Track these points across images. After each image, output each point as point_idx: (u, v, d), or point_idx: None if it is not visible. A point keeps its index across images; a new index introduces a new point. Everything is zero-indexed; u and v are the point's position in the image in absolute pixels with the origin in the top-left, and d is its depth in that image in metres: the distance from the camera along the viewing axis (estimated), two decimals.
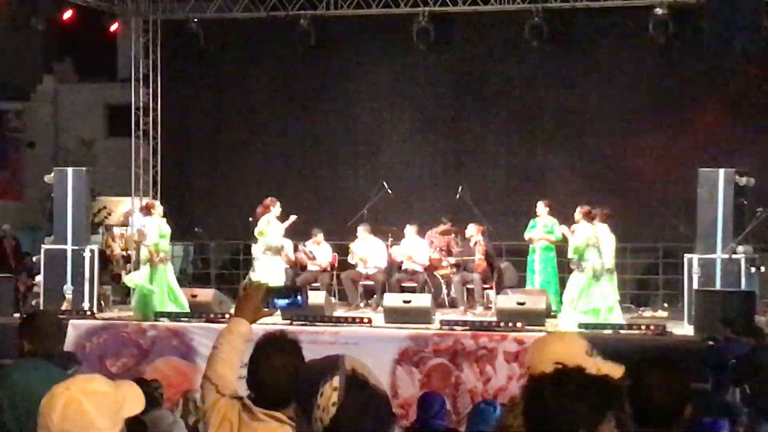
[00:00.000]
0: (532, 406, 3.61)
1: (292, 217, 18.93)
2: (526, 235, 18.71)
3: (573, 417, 3.44)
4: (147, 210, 18.99)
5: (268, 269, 18.51)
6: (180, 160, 23.99)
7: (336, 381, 3.36)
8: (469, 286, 19.30)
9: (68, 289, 19.02)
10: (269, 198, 18.87)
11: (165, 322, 17.35)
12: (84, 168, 20.53)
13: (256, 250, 18.95)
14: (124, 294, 21.23)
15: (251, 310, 4.97)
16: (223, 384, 4.76)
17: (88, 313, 18.53)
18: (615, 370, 4.17)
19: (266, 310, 5.02)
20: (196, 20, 22.71)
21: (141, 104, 23.39)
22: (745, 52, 19.05)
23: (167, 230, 18.62)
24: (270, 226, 18.58)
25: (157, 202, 19.13)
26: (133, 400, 3.60)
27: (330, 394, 3.36)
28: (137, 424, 4.13)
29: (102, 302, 19.78)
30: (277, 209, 18.76)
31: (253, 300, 4.98)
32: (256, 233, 18.69)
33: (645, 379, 4.13)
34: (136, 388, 3.67)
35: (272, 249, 18.70)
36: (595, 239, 16.71)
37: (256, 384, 4.66)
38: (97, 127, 31.08)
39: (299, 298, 5.07)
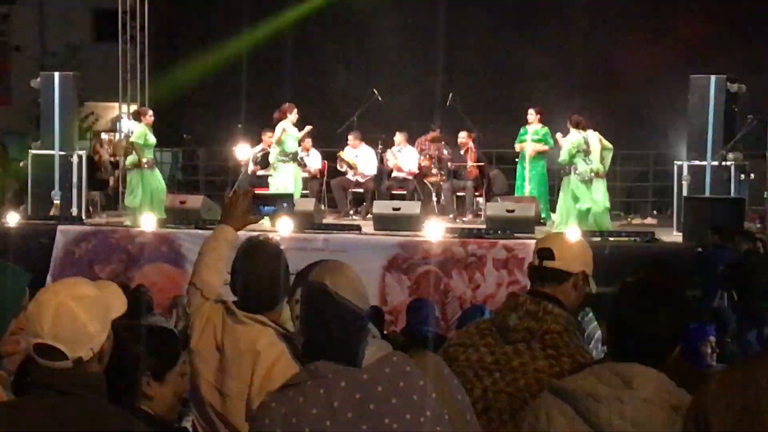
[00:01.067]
0: (620, 311, 3.62)
1: (308, 127, 18.78)
2: (517, 144, 18.58)
3: (659, 327, 3.60)
4: (137, 115, 18.88)
5: (284, 176, 18.39)
6: (168, 66, 23.75)
7: (298, 293, 3.38)
8: (459, 193, 19.29)
9: (56, 194, 18.98)
10: (287, 103, 18.61)
11: (153, 228, 17.31)
12: (71, 73, 20.37)
13: (271, 155, 18.79)
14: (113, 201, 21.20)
15: (237, 217, 4.97)
16: (209, 289, 4.77)
17: (77, 218, 18.50)
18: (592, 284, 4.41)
19: (252, 216, 5.01)
20: None
21: (128, 8, 23.09)
22: None
23: (153, 140, 18.53)
24: (286, 133, 18.41)
25: (150, 111, 18.93)
26: (118, 302, 3.60)
27: (294, 307, 3.39)
28: (137, 330, 4.14)
29: (90, 208, 19.76)
30: (294, 115, 18.55)
31: (239, 207, 4.97)
32: (273, 140, 18.54)
33: (629, 310, 3.91)
34: (118, 289, 3.67)
35: (289, 155, 18.52)
36: (585, 146, 16.72)
37: (240, 288, 4.68)
38: (83, 32, 30.78)
39: (285, 205, 5.06)
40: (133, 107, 22.06)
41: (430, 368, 3.47)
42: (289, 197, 5.13)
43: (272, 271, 4.65)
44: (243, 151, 19.97)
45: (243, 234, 4.97)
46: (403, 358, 3.37)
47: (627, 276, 4.44)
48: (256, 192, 5.13)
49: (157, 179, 18.71)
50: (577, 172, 16.76)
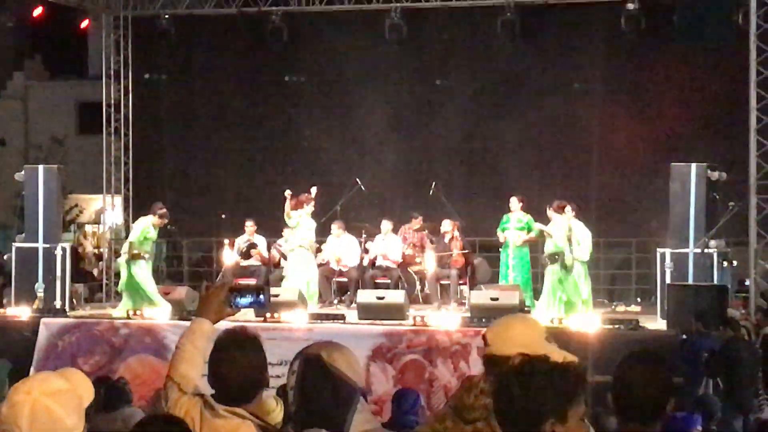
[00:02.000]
0: (500, 397, 3.65)
1: (314, 189, 18.94)
2: (501, 233, 18.62)
3: (541, 405, 3.51)
4: (151, 210, 18.84)
5: (299, 264, 18.39)
6: (152, 157, 23.86)
7: (295, 365, 3.41)
8: (443, 281, 19.28)
9: (40, 287, 18.92)
10: (305, 194, 18.69)
11: (137, 320, 17.25)
12: (55, 165, 20.42)
13: (285, 246, 18.80)
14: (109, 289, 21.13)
15: (214, 310, 4.95)
16: (186, 383, 4.73)
17: (60, 311, 18.44)
18: (569, 359, 4.25)
19: (229, 309, 5.00)
20: (167, 16, 22.55)
21: (112, 101, 23.22)
22: (717, 47, 19.12)
23: (153, 234, 18.56)
24: (302, 222, 18.44)
25: (164, 211, 18.85)
26: (87, 390, 3.60)
27: (290, 379, 3.41)
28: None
29: (74, 300, 19.70)
30: (310, 207, 18.65)
31: (216, 299, 4.96)
32: (289, 223, 18.60)
33: (628, 374, 4.12)
34: (83, 376, 3.67)
35: (305, 245, 18.53)
36: (570, 232, 16.79)
37: (217, 381, 4.66)
38: (68, 125, 30.95)
39: (261, 297, 5.05)
40: (117, 198, 22.14)
41: None
42: (265, 289, 5.12)
43: (250, 363, 4.62)
44: (228, 256, 19.92)
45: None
46: None
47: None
48: (232, 284, 5.13)
49: (147, 269, 18.67)
50: (560, 261, 16.80)
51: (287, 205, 18.56)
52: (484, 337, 4.28)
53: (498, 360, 4.20)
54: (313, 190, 18.94)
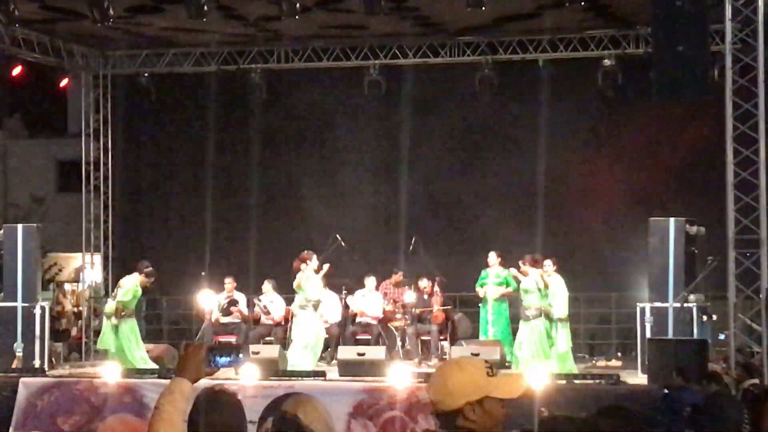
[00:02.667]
0: None
1: (326, 266, 18.68)
2: (479, 288, 18.66)
3: None
4: (139, 271, 18.81)
5: (307, 324, 18.23)
6: (131, 215, 23.87)
7: (269, 423, 3.39)
8: (423, 337, 19.28)
9: (18, 346, 18.81)
10: (306, 251, 18.55)
11: (117, 379, 17.16)
12: (34, 224, 20.36)
13: (294, 305, 18.64)
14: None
15: (193, 369, 4.93)
16: None
17: (39, 370, 18.33)
18: (518, 382, 4.21)
19: (208, 368, 4.99)
20: (146, 75, 22.62)
21: (92, 159, 23.24)
22: (693, 103, 19.25)
23: (140, 293, 18.55)
24: (308, 280, 18.30)
25: (150, 269, 18.85)
26: None
27: None
28: None
29: (53, 359, 19.60)
30: (314, 262, 18.46)
31: (195, 359, 4.95)
32: (294, 287, 18.38)
33: (600, 428, 4.07)
34: None
35: (311, 303, 18.39)
36: (543, 284, 16.86)
37: None
38: (47, 183, 30.90)
39: (240, 356, 5.06)
40: (97, 256, 22.09)
41: None
42: (243, 348, 5.15)
43: (230, 422, 4.61)
44: (207, 299, 19.93)
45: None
46: None
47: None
48: (211, 344, 5.14)
49: (133, 328, 18.61)
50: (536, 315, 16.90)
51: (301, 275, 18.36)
52: (428, 396, 4.21)
53: (450, 414, 4.15)
54: (326, 266, 18.82)
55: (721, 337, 17.20)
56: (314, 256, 18.47)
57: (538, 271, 17.05)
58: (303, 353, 17.80)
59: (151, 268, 18.72)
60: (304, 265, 18.30)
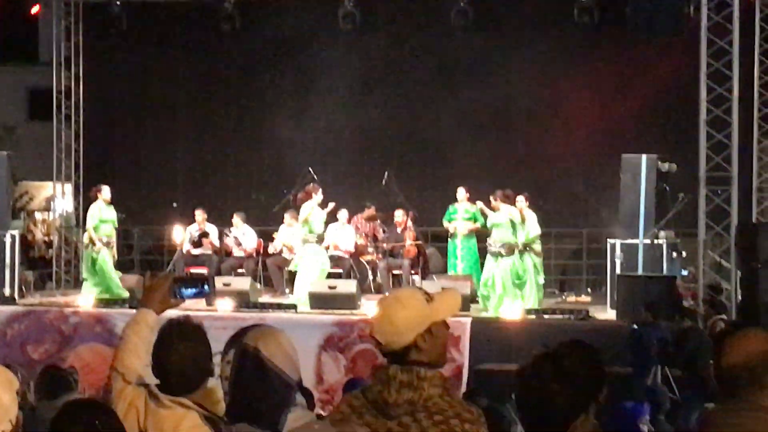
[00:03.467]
0: (530, 395, 3.63)
1: (331, 204, 18.51)
2: (447, 223, 18.65)
3: (575, 401, 3.70)
4: (94, 194, 18.73)
5: (311, 258, 18.13)
6: (103, 145, 23.73)
7: (230, 355, 3.36)
8: (395, 271, 19.30)
9: None
10: (311, 184, 18.39)
11: (87, 308, 17.16)
12: (5, 152, 20.21)
13: (298, 238, 18.50)
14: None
15: (158, 301, 4.94)
16: (130, 373, 4.73)
17: (9, 299, 18.31)
18: (453, 297, 4.26)
19: (173, 300, 4.98)
20: (118, 2, 22.38)
21: (63, 88, 23.07)
22: (668, 39, 19.23)
23: (109, 215, 18.43)
24: (313, 214, 18.19)
25: (105, 188, 18.74)
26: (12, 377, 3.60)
27: (224, 368, 3.36)
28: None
29: (23, 288, 19.56)
30: (319, 196, 18.31)
31: (160, 290, 4.95)
32: (299, 221, 18.28)
33: (561, 364, 4.06)
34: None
35: (316, 236, 18.22)
36: (520, 218, 16.84)
37: (162, 371, 4.64)
38: (18, 112, 30.63)
39: (206, 287, 5.05)
40: (68, 186, 22.02)
41: None
42: (209, 279, 5.14)
43: (194, 353, 4.61)
44: (179, 233, 19.91)
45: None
46: (325, 427, 3.35)
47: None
48: (176, 275, 5.13)
49: (109, 258, 18.57)
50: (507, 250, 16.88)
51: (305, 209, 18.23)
52: (372, 335, 4.19)
53: (400, 352, 4.13)
54: (332, 204, 18.71)
55: (684, 273, 17.28)
56: (320, 190, 18.33)
57: (508, 206, 16.99)
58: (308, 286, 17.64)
59: (100, 185, 18.63)
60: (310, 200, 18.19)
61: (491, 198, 17.21)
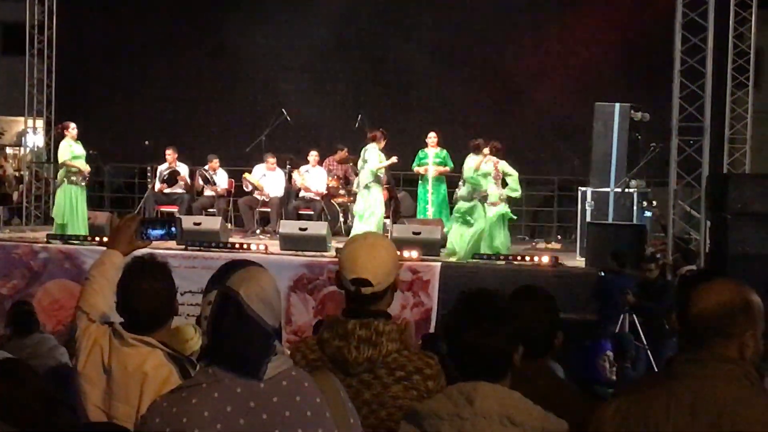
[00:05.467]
0: (457, 332, 3.65)
1: (393, 159, 18.15)
2: (418, 168, 18.57)
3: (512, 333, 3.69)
4: (60, 131, 18.61)
5: (371, 198, 17.69)
6: (75, 81, 23.55)
7: (212, 295, 3.34)
8: None
9: None
10: (379, 130, 17.83)
11: (57, 244, 17.11)
12: None
13: (362, 177, 18.00)
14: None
15: (125, 242, 4.95)
16: (95, 312, 4.73)
17: None
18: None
19: (140, 241, 4.99)
20: None
21: (36, 22, 22.87)
22: None
23: (79, 152, 18.30)
24: (373, 155, 17.57)
25: (72, 124, 18.59)
26: None
27: (204, 308, 3.35)
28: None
29: None
30: (382, 143, 17.61)
31: (127, 231, 4.95)
32: (359, 163, 17.84)
33: (515, 312, 4.08)
34: None
35: (375, 178, 17.69)
36: (485, 169, 16.77)
37: (126, 308, 4.65)
38: None
39: (173, 228, 5.06)
40: (39, 121, 21.89)
41: (329, 388, 3.42)
42: (176, 221, 5.15)
43: (158, 291, 4.61)
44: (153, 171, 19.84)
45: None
46: (302, 374, 3.36)
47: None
48: (143, 216, 5.13)
49: (82, 196, 18.48)
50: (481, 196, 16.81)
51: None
52: (357, 281, 4.17)
53: (380, 294, 4.18)
54: (393, 159, 18.16)
55: (648, 214, 17.34)
56: (383, 137, 17.68)
57: (477, 156, 16.87)
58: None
59: (66, 122, 18.49)
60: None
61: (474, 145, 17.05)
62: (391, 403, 4.06)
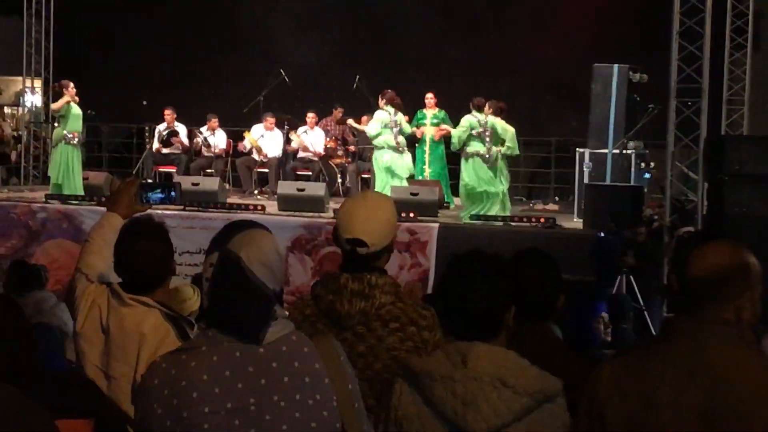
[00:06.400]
0: (451, 294, 3.66)
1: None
2: (416, 129, 18.53)
3: (503, 294, 3.68)
4: (58, 89, 18.57)
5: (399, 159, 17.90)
6: (73, 41, 23.46)
7: (214, 257, 3.34)
8: (363, 175, 19.32)
9: None
10: (390, 91, 17.93)
11: (55, 204, 17.11)
12: None
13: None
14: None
15: (124, 205, 4.97)
16: (93, 273, 4.76)
17: None
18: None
19: (139, 205, 5.00)
20: None
21: None
22: None
23: (77, 111, 18.29)
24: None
25: (71, 84, 18.57)
26: None
27: (206, 269, 3.35)
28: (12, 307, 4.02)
29: None
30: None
31: (126, 195, 4.97)
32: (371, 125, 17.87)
33: (518, 275, 4.08)
34: None
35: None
36: (481, 128, 16.80)
37: (123, 269, 4.67)
38: None
39: (173, 193, 5.07)
40: (37, 81, 21.84)
41: (328, 353, 3.41)
42: (176, 185, 5.14)
43: (155, 251, 4.65)
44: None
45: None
46: (302, 339, 3.35)
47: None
48: (142, 180, 5.15)
49: (77, 156, 18.49)
50: (478, 154, 16.86)
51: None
52: (352, 240, 4.17)
53: (378, 253, 4.20)
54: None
55: (646, 176, 17.35)
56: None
57: (477, 115, 16.92)
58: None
59: (63, 81, 18.48)
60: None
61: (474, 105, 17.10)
62: (386, 354, 4.08)
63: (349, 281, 4.12)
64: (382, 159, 17.63)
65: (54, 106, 18.18)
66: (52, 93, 18.75)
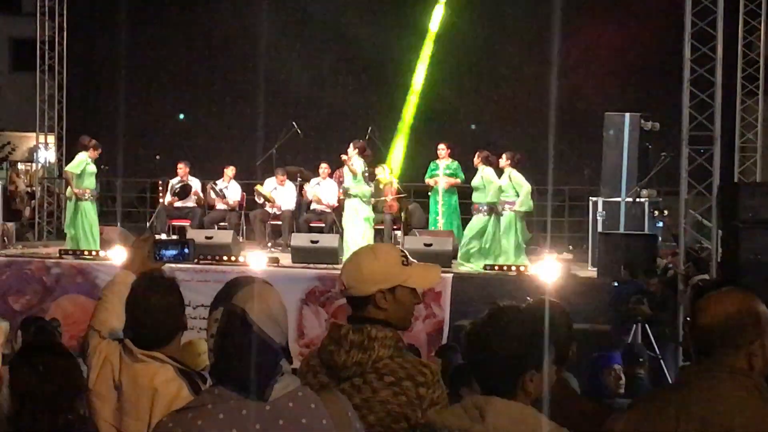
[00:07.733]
0: (474, 350, 3.61)
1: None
2: (429, 179, 18.60)
3: (520, 355, 3.52)
4: (83, 145, 18.60)
5: (355, 217, 17.71)
6: (86, 96, 23.64)
7: (218, 313, 3.33)
8: (377, 227, 19.30)
9: None
10: (361, 141, 18.04)
11: (69, 260, 17.15)
12: None
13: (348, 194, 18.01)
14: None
15: (138, 262, 4.96)
16: (105, 330, 4.75)
17: None
18: (432, 273, 4.27)
19: (153, 263, 5.00)
20: None
21: (46, 38, 22.95)
22: None
23: (92, 169, 18.37)
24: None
25: (94, 142, 18.63)
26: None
27: (211, 326, 3.33)
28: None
29: (5, 239, 19.53)
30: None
31: (140, 252, 4.97)
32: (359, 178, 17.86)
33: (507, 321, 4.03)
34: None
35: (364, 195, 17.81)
36: (490, 182, 16.81)
37: (134, 324, 4.65)
38: (1, 62, 30.51)
39: (186, 249, 5.07)
40: (50, 137, 21.94)
41: (336, 409, 3.38)
42: (190, 242, 5.13)
43: (166, 306, 4.63)
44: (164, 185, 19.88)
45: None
46: (309, 395, 3.32)
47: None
48: (156, 238, 5.14)
49: (93, 211, 18.52)
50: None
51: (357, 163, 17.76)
52: (341, 281, 4.22)
53: (361, 300, 4.18)
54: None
55: (659, 224, 17.33)
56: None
57: (487, 168, 16.95)
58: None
59: (93, 140, 18.54)
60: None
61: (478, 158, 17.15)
62: (379, 407, 4.04)
63: (350, 332, 4.11)
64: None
65: (71, 169, 18.20)
66: (79, 146, 18.76)
